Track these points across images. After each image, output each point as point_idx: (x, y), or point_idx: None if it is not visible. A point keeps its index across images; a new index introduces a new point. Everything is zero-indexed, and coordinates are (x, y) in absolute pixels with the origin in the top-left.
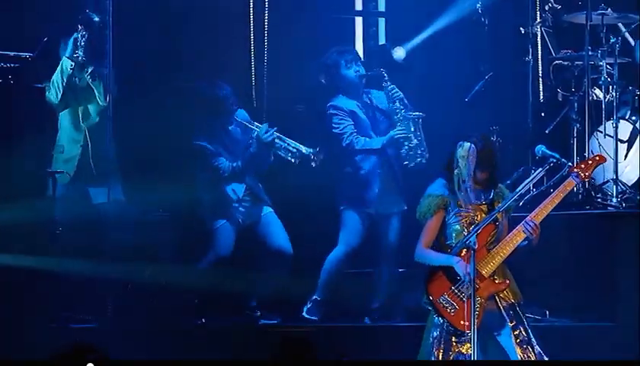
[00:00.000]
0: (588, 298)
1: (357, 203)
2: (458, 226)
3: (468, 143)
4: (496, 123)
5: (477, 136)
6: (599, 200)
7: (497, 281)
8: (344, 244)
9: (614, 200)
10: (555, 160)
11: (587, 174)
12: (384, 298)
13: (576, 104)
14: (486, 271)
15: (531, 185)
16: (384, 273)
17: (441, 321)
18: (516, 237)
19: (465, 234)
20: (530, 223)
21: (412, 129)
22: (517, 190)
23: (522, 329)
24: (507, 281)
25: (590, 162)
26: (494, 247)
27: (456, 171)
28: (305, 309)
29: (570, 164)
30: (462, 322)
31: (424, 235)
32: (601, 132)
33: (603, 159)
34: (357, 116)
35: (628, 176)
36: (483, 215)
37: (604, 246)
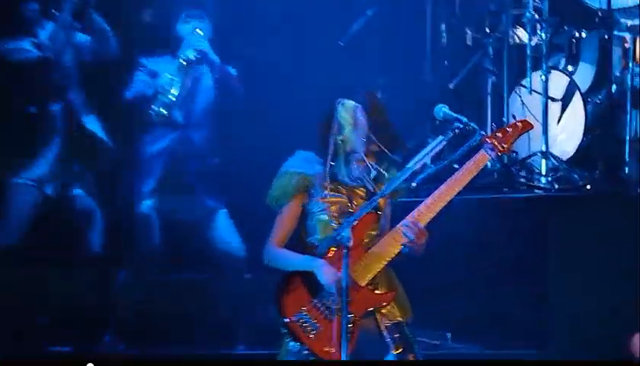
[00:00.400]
0: (506, 316)
1: (140, 195)
2: (325, 217)
3: (352, 102)
4: (382, 74)
5: (363, 92)
6: (522, 179)
7: (378, 292)
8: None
9: (543, 179)
10: (461, 126)
11: (505, 146)
12: (224, 316)
13: (491, 50)
14: (363, 278)
15: (428, 160)
16: (221, 281)
17: (298, 347)
18: (393, 241)
19: (335, 227)
20: (411, 228)
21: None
22: (408, 166)
23: (411, 357)
24: (393, 292)
25: (509, 129)
26: (374, 245)
27: (339, 137)
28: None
29: (482, 132)
30: (325, 349)
31: (277, 229)
32: (525, 87)
33: (528, 125)
34: (159, 77)
35: (563, 147)
36: (361, 201)
37: (529, 243)
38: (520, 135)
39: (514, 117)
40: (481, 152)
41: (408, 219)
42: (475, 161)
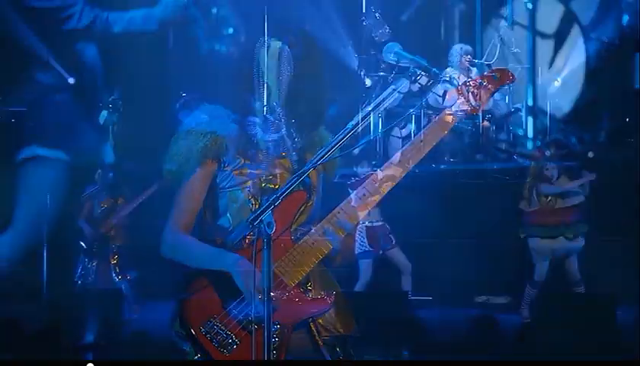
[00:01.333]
0: (484, 328)
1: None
2: (239, 194)
3: (278, 42)
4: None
5: (293, 29)
6: (501, 145)
7: (311, 297)
8: None
9: (529, 144)
10: (418, 71)
11: (480, 99)
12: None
13: None
14: (292, 278)
15: (375, 118)
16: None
17: None
18: (320, 241)
19: (253, 209)
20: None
21: None
22: (347, 128)
23: None
24: (331, 297)
25: (484, 81)
26: (307, 234)
27: (260, 89)
28: None
29: (453, 79)
30: None
31: (181, 208)
32: (504, 18)
33: (507, 77)
34: None
35: (557, 100)
36: (287, 176)
37: (511, 230)
38: (496, 90)
39: (489, 66)
40: (446, 110)
41: (349, 203)
42: (437, 123)
